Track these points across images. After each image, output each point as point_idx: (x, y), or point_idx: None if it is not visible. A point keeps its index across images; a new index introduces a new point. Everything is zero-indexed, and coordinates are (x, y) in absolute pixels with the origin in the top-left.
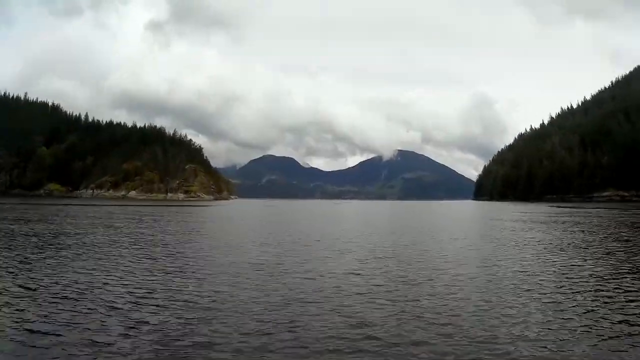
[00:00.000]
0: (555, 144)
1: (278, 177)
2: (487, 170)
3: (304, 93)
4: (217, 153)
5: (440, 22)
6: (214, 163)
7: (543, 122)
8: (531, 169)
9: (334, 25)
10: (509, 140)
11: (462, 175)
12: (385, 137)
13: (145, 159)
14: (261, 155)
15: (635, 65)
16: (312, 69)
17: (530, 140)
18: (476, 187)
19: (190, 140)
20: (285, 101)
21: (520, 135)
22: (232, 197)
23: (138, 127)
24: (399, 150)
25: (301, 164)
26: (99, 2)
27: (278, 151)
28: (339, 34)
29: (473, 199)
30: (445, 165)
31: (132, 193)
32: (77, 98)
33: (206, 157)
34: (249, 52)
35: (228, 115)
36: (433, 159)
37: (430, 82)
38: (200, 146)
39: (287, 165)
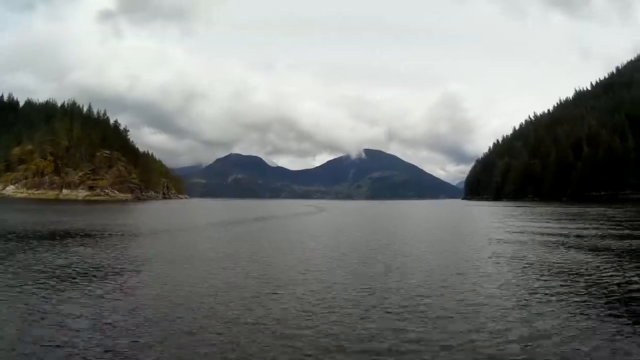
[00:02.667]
0: (593, 126)
1: (244, 176)
2: (483, 165)
3: (270, 90)
4: (182, 152)
5: (411, 20)
6: (179, 162)
7: (562, 101)
8: (564, 159)
9: (302, 23)
10: (477, 139)
11: (431, 175)
12: (352, 136)
13: (38, 141)
14: (227, 154)
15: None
16: (278, 67)
17: (547, 127)
18: (469, 185)
19: (110, 119)
20: (250, 98)
21: (529, 122)
22: (181, 196)
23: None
24: (366, 149)
25: (268, 162)
26: None
27: (244, 150)
28: (306, 31)
29: (465, 199)
30: (413, 164)
31: (10, 189)
32: (40, 94)
33: (136, 144)
34: (212, 48)
35: (191, 112)
36: (400, 158)
37: (398, 80)
38: (125, 128)
39: (254, 164)
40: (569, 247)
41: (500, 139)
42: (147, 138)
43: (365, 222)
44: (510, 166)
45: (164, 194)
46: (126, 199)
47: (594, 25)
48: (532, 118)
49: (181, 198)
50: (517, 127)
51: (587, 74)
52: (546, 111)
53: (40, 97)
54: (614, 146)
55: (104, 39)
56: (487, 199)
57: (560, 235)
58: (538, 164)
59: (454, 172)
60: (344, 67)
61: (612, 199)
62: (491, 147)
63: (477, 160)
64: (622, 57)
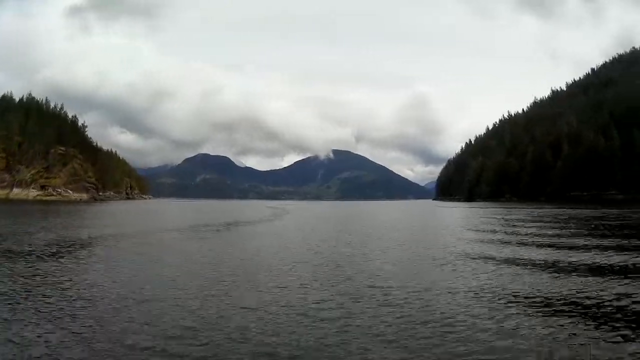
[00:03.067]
0: (574, 124)
1: (212, 176)
2: (455, 165)
3: (238, 90)
4: (150, 151)
5: (380, 21)
6: (148, 162)
7: (538, 101)
8: (542, 158)
9: (271, 23)
10: (446, 140)
11: (400, 175)
12: (320, 136)
13: None
14: (195, 154)
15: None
16: (247, 66)
17: (523, 126)
18: (440, 186)
19: (68, 114)
20: (219, 98)
21: (504, 121)
22: (145, 196)
23: None
24: (334, 149)
25: (236, 163)
26: None
27: (213, 150)
28: (276, 31)
29: (436, 199)
30: (382, 164)
31: None
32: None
33: (96, 142)
34: (181, 47)
35: (160, 111)
36: (369, 158)
37: (367, 81)
38: (84, 124)
39: (222, 164)
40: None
41: (472, 139)
42: (115, 137)
43: (333, 231)
44: (485, 165)
45: (127, 193)
46: (80, 199)
47: (565, 28)
48: (507, 117)
49: (145, 198)
50: (490, 127)
51: (556, 76)
52: (521, 111)
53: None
54: (597, 145)
55: (72, 35)
56: (459, 200)
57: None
58: (514, 163)
59: (422, 173)
60: (312, 68)
61: (595, 199)
62: (463, 147)
63: (448, 161)
64: (592, 60)
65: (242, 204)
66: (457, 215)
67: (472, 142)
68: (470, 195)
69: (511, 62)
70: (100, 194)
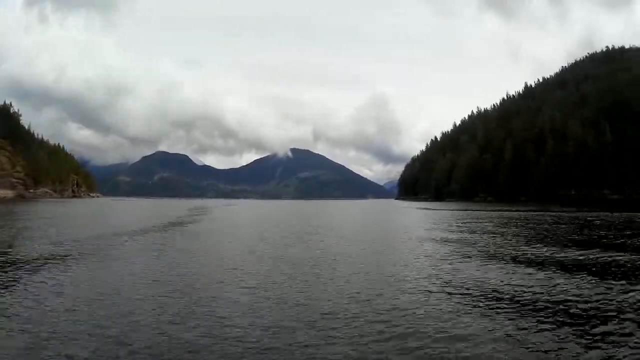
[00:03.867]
0: (557, 119)
1: (170, 174)
2: (422, 162)
3: (197, 88)
4: (108, 148)
5: (340, 21)
6: (106, 159)
7: (510, 96)
8: (522, 155)
9: (231, 21)
10: (405, 140)
11: (358, 175)
12: (279, 135)
13: None
14: (153, 152)
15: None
16: (206, 64)
17: (498, 119)
18: (403, 184)
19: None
20: (177, 95)
21: (474, 116)
22: (93, 194)
23: None
24: (293, 148)
25: (194, 161)
26: None
27: (171, 147)
28: (236, 30)
29: (399, 199)
30: (341, 164)
31: None
32: None
33: (40, 135)
34: (140, 43)
35: (117, 108)
36: (328, 157)
37: (326, 81)
38: (17, 112)
39: (180, 162)
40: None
41: (438, 136)
42: (74, 133)
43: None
44: (456, 162)
45: (73, 191)
46: (5, 197)
47: (527, 28)
48: (477, 113)
49: (92, 197)
50: (458, 123)
51: (518, 77)
52: (490, 107)
53: None
54: (587, 140)
55: (30, 27)
56: (426, 199)
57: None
58: (490, 159)
59: (381, 173)
60: (272, 67)
61: (586, 198)
62: (429, 143)
63: (413, 158)
64: (553, 60)
65: (174, 203)
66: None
67: (438, 139)
68: (438, 195)
69: (472, 63)
70: (31, 191)
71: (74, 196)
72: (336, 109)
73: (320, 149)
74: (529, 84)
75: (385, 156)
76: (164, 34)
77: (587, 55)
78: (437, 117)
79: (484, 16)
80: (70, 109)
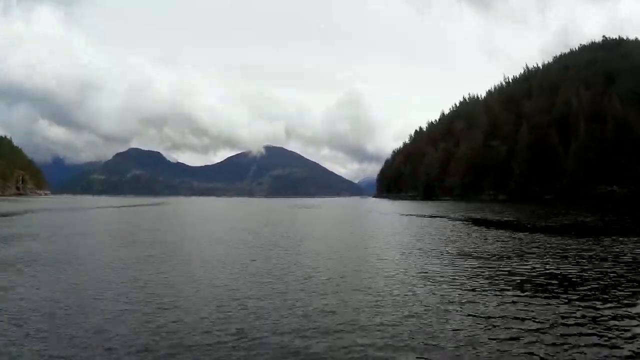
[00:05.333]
0: (587, 97)
1: (143, 172)
2: (406, 156)
3: (169, 85)
4: (81, 146)
5: (315, 20)
6: (81, 157)
7: (511, 79)
8: (543, 142)
9: (205, 19)
10: (379, 138)
11: (333, 172)
12: (252, 132)
13: None
14: (126, 149)
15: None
16: (179, 62)
17: (504, 102)
18: (382, 181)
19: None
20: (148, 92)
21: (471, 101)
22: (40, 192)
23: None
24: (267, 146)
25: (168, 158)
26: None
27: (144, 144)
28: (210, 28)
29: (379, 197)
30: (315, 161)
31: None
32: None
33: None
34: (113, 40)
35: (89, 104)
36: (302, 155)
37: (300, 79)
38: None
39: (154, 159)
40: None
41: (423, 127)
42: (46, 131)
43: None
44: (452, 153)
45: (17, 188)
46: None
47: (506, 25)
48: (468, 99)
49: (39, 195)
50: (446, 112)
51: (494, 73)
52: (488, 92)
53: None
54: (629, 121)
55: None
56: (413, 198)
57: None
58: (501, 148)
59: (355, 171)
60: (246, 65)
61: (636, 196)
62: (412, 134)
63: (394, 151)
64: (531, 57)
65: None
66: None
67: (423, 130)
68: (429, 192)
69: (448, 61)
70: None
71: (19, 194)
72: (310, 107)
73: (294, 147)
74: (530, 67)
75: (359, 154)
76: (134, 30)
77: (583, 45)
78: (412, 115)
79: (459, 12)
80: (41, 105)
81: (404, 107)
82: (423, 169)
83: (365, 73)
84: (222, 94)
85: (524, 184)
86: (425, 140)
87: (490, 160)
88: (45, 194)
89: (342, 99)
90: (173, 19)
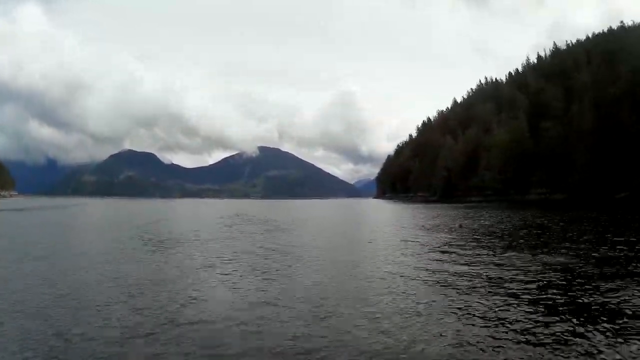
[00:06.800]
0: None
1: (136, 173)
2: (414, 149)
3: (160, 84)
4: (73, 147)
5: (306, 19)
6: (73, 159)
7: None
8: (615, 123)
9: (198, 18)
10: (373, 139)
11: (329, 173)
12: (244, 133)
13: None
14: (120, 150)
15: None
16: (170, 60)
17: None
18: (383, 180)
19: None
20: (139, 91)
21: (491, 82)
22: (3, 193)
23: None
24: (261, 146)
25: (162, 159)
26: None
27: (139, 146)
28: (201, 27)
29: (380, 198)
30: (310, 162)
31: None
32: None
33: None
34: (101, 38)
35: (78, 104)
36: (297, 156)
37: (292, 79)
38: None
39: (147, 161)
40: None
41: (432, 116)
42: (36, 131)
43: None
44: (480, 142)
45: None
46: None
47: (498, 22)
48: (491, 80)
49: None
50: (459, 99)
51: (488, 72)
52: (515, 70)
53: None
54: None
55: None
56: (426, 199)
57: None
58: (555, 130)
59: (350, 171)
60: (235, 64)
61: None
62: (420, 126)
63: (399, 145)
64: (522, 57)
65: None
66: None
67: (432, 120)
68: (448, 191)
69: (441, 59)
70: None
71: None
72: (302, 108)
73: (288, 148)
74: (558, 45)
75: (354, 155)
76: (123, 28)
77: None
78: (406, 115)
79: (453, 10)
80: (29, 105)
81: (397, 106)
82: (439, 163)
83: (355, 72)
84: (212, 93)
85: (587, 178)
86: (439, 131)
87: (541, 147)
88: (10, 196)
89: (334, 98)
90: (162, 16)
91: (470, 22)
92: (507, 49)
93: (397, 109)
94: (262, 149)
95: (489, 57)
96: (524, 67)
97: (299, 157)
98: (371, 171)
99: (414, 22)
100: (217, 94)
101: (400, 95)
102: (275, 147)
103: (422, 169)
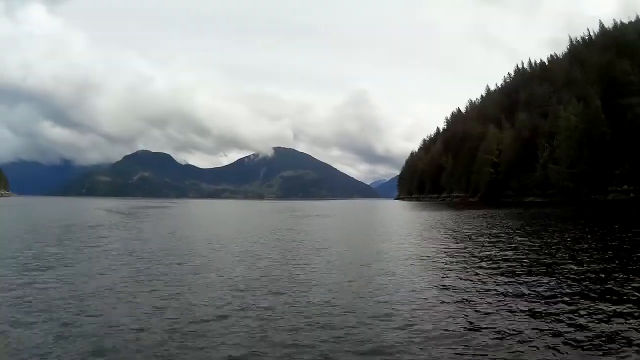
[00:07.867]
0: None
1: (150, 174)
2: (445, 144)
3: (174, 85)
4: (87, 147)
5: (320, 20)
6: (88, 159)
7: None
8: None
9: (210, 19)
10: (387, 139)
11: (344, 174)
12: (259, 133)
13: None
14: (135, 151)
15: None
16: (183, 61)
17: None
18: (410, 179)
19: None
20: (151, 92)
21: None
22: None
23: None
24: (276, 147)
25: (177, 160)
26: None
27: (153, 146)
28: (215, 28)
29: (401, 199)
30: (326, 162)
31: None
32: None
33: None
34: (112, 39)
35: (92, 105)
36: (312, 156)
37: (307, 80)
38: None
39: (162, 161)
40: None
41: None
42: (49, 132)
43: None
44: (538, 128)
45: None
46: None
47: (508, 18)
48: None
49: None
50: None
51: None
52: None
53: None
54: None
55: None
56: (464, 200)
57: None
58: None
59: (365, 172)
60: (247, 65)
61: None
62: (449, 117)
63: (425, 139)
64: (532, 51)
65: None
66: None
67: (462, 111)
68: (492, 191)
69: (452, 58)
70: None
71: None
72: (316, 108)
73: (302, 148)
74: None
75: (370, 155)
76: (134, 29)
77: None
78: (420, 115)
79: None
80: (41, 106)
81: (411, 105)
82: (483, 156)
83: (371, 73)
84: (224, 93)
85: None
86: (477, 120)
87: (625, 132)
88: (3, 194)
89: (348, 98)
90: (172, 16)
91: (484, 21)
92: (516, 44)
93: (412, 108)
94: (277, 150)
95: (497, 51)
96: (577, 42)
97: (315, 157)
98: (387, 172)
99: (425, 21)
100: (228, 94)
101: (414, 94)
102: (291, 147)
103: (458, 165)
